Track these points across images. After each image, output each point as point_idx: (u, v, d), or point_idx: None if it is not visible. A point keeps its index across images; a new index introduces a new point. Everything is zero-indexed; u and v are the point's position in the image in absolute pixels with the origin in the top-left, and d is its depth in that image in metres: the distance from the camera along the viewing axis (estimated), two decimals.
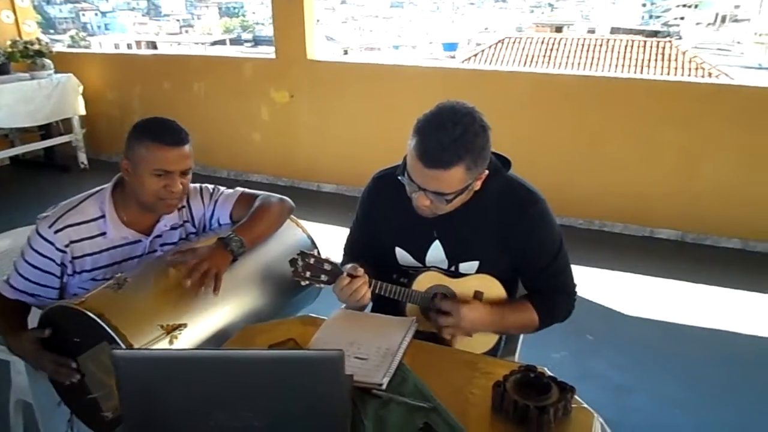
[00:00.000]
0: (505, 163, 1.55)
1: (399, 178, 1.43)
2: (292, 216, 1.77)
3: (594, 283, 3.34)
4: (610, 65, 13.59)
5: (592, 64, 13.89)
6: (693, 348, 2.80)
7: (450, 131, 1.29)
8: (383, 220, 1.61)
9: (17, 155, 5.37)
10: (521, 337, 1.71)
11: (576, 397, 1.18)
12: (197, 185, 1.70)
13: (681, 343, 2.84)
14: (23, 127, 5.04)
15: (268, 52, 4.70)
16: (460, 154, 1.30)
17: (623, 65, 13.45)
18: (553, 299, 1.55)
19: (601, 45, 14.39)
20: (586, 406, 1.18)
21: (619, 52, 13.88)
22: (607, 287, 3.33)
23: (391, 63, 4.86)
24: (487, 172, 1.41)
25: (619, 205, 4.02)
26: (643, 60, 13.47)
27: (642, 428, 2.29)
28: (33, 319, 1.54)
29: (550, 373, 1.23)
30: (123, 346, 1.22)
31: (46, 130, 5.28)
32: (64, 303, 1.32)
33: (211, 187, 1.73)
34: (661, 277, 3.45)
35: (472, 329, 1.49)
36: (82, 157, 5.35)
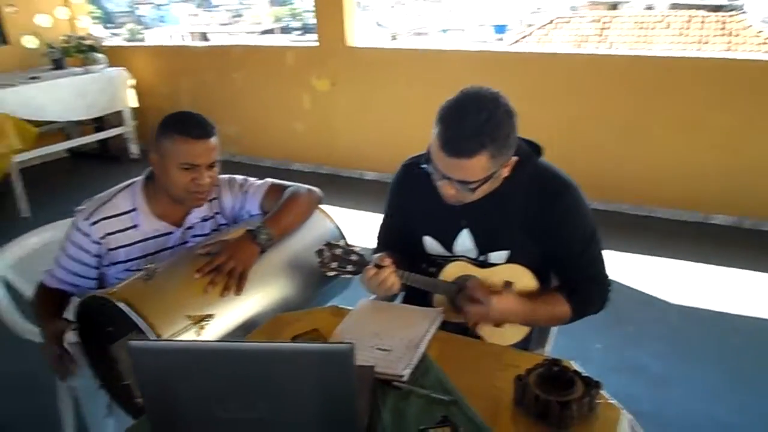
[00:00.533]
0: (537, 149, 1.50)
1: (423, 166, 1.40)
2: (320, 206, 1.77)
3: (640, 272, 3.22)
4: (667, 43, 13.01)
5: (647, 42, 13.32)
6: (741, 340, 2.67)
7: (473, 118, 1.26)
8: (411, 209, 1.59)
9: (74, 147, 5.60)
10: (555, 329, 1.67)
11: (603, 392, 1.14)
12: (227, 176, 1.72)
13: (729, 334, 2.72)
14: (79, 120, 5.24)
15: (315, 39, 4.72)
16: (484, 142, 1.27)
17: (681, 42, 12.84)
18: (586, 290, 1.50)
19: (658, 22, 13.77)
20: (613, 402, 1.14)
21: (677, 29, 13.25)
22: (654, 276, 3.21)
23: (431, 48, 4.81)
24: (515, 158, 1.38)
25: (670, 189, 3.86)
26: (702, 36, 12.83)
27: (680, 421, 2.21)
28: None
29: (576, 367, 1.19)
30: (151, 336, 1.25)
31: (99, 123, 5.48)
32: (97, 293, 1.36)
33: (240, 178, 1.74)
34: (714, 264, 3.29)
35: (501, 320, 1.47)
36: (134, 149, 5.53)
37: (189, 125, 1.49)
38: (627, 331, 2.73)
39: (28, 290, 1.88)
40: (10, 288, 1.89)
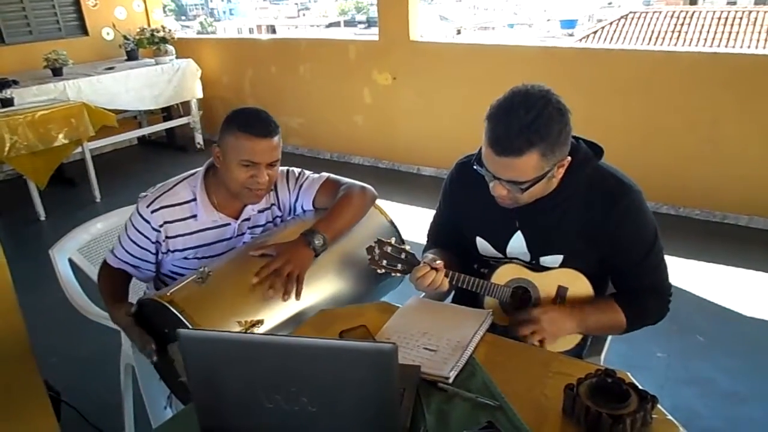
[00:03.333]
0: (598, 151, 1.43)
1: (475, 167, 1.37)
2: (375, 203, 1.76)
3: (711, 281, 3.06)
4: (751, 41, 12.29)
5: (730, 39, 12.63)
6: None
7: (521, 116, 1.23)
8: (465, 209, 1.56)
9: (144, 135, 5.83)
10: (609, 337, 1.60)
11: (660, 407, 1.08)
12: (284, 168, 1.72)
13: None
14: (149, 109, 5.45)
15: (375, 34, 4.72)
16: (532, 139, 1.23)
17: (767, 40, 12.11)
18: (645, 300, 1.43)
19: (741, 18, 13.02)
20: (670, 418, 1.08)
21: (762, 26, 12.50)
22: (726, 285, 3.04)
23: (495, 43, 4.71)
24: (569, 158, 1.33)
25: (745, 195, 3.64)
26: None
27: None
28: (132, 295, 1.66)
29: (632, 379, 1.13)
30: None
31: (167, 113, 5.68)
32: (153, 296, 1.39)
33: (297, 171, 1.74)
34: None
35: (559, 333, 1.41)
36: (199, 138, 5.71)
37: (252, 123, 1.49)
38: (693, 342, 2.60)
39: (94, 273, 1.97)
40: (76, 271, 1.98)
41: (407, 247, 1.47)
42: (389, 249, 1.46)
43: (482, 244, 1.54)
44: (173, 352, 1.41)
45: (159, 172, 5.33)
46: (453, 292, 1.68)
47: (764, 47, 11.48)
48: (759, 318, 2.77)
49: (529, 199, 1.36)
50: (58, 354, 2.65)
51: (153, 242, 1.59)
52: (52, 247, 1.95)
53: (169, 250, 1.61)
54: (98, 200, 4.55)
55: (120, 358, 2.01)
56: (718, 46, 12.16)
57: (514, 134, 1.23)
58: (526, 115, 1.22)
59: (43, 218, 4.25)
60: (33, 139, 3.96)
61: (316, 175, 1.75)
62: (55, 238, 2.01)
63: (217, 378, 0.98)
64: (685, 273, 3.10)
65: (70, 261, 1.97)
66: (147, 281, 1.76)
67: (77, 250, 1.99)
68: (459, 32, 24.92)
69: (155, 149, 5.97)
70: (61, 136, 4.10)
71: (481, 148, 1.35)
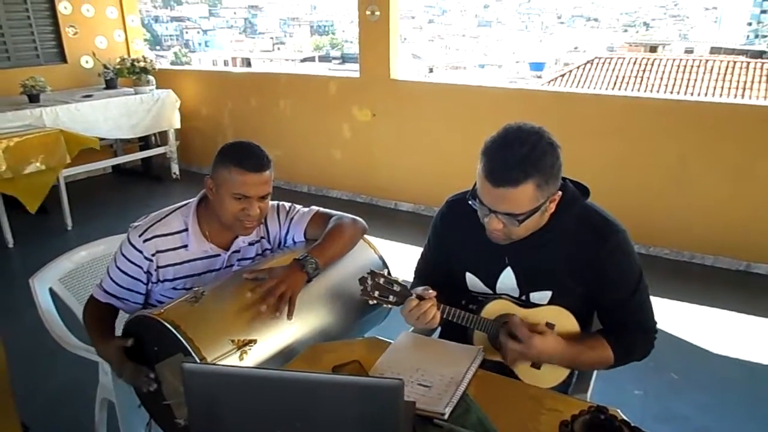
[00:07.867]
0: (584, 191, 1.50)
1: (470, 202, 1.41)
2: (364, 236, 1.79)
3: (680, 319, 3.15)
4: (708, 88, 12.89)
5: (688, 86, 13.23)
6: None
7: (516, 149, 1.28)
8: (455, 245, 1.59)
9: (119, 164, 5.77)
10: (594, 373, 1.64)
11: None
12: (274, 203, 1.74)
13: None
14: (125, 138, 5.40)
15: (353, 69, 4.80)
16: (528, 171, 1.28)
17: (723, 87, 12.72)
18: (631, 337, 1.48)
19: (699, 66, 13.68)
20: None
21: (719, 74, 13.15)
22: (695, 323, 3.13)
23: (472, 84, 4.84)
24: (560, 193, 1.38)
25: (711, 236, 3.78)
26: (745, 82, 12.69)
27: None
28: (119, 324, 1.64)
29: (623, 416, 1.16)
30: (197, 358, 1.27)
31: (144, 142, 5.64)
32: (146, 313, 1.38)
33: (287, 205, 1.77)
34: (756, 315, 3.20)
35: (540, 360, 1.45)
36: (175, 168, 5.67)
37: (245, 157, 1.52)
38: (667, 379, 2.66)
39: (75, 303, 1.94)
40: (57, 300, 1.94)
41: (400, 279, 1.49)
42: (382, 281, 1.48)
43: (472, 280, 1.57)
44: (161, 372, 1.39)
45: (133, 202, 5.28)
46: (440, 328, 1.70)
47: (720, 95, 12.02)
48: (726, 356, 2.85)
49: (524, 233, 1.40)
50: (26, 387, 2.56)
51: (145, 271, 1.59)
52: (32, 276, 1.90)
53: (159, 280, 1.61)
54: (69, 228, 4.45)
55: (97, 391, 1.96)
56: (678, 92, 12.72)
57: (510, 166, 1.28)
58: (521, 148, 1.28)
59: (11, 245, 4.12)
60: (8, 165, 3.88)
61: (306, 209, 1.78)
62: (23, 267, 1.97)
63: (218, 412, 0.98)
64: (658, 311, 3.17)
65: (51, 291, 1.93)
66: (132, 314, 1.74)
67: (58, 279, 1.96)
68: (431, 71, 25.48)
69: (130, 178, 5.89)
70: (36, 163, 4.04)
71: (475, 184, 1.39)
